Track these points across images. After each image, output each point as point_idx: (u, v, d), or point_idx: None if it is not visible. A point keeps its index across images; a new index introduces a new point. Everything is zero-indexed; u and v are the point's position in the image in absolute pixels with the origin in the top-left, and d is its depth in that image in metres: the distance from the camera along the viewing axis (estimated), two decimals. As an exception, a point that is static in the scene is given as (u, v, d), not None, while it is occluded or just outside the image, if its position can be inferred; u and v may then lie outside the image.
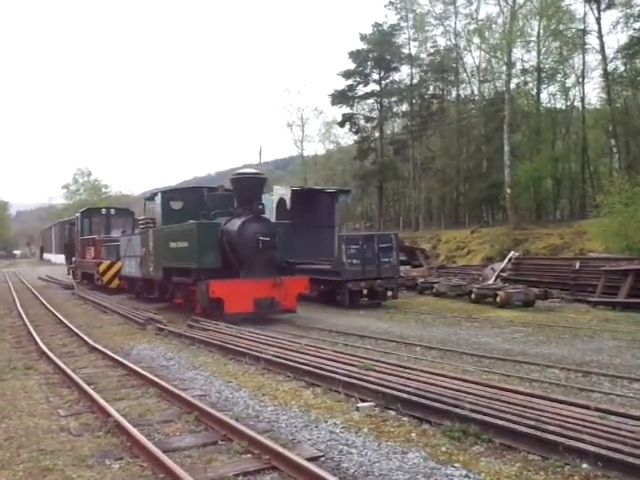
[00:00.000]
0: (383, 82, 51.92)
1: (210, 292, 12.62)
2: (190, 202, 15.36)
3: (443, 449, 4.90)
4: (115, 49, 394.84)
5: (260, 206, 13.81)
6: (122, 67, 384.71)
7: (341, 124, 55.04)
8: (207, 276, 13.00)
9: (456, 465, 4.54)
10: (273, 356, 8.39)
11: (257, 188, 14.24)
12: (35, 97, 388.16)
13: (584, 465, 4.34)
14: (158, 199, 15.91)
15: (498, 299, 15.28)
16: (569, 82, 40.45)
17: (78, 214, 28.19)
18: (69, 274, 30.62)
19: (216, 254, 13.15)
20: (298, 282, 13.88)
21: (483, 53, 43.26)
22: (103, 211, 27.54)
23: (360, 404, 6.19)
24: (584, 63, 37.45)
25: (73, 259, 29.12)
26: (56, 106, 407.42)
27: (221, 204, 14.60)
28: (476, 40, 43.67)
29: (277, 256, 13.68)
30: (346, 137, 59.38)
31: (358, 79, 52.50)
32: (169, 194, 16.26)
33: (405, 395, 5.97)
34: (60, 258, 42.16)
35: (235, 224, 13.34)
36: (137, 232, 18.51)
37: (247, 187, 14.00)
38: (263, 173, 15.44)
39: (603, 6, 34.07)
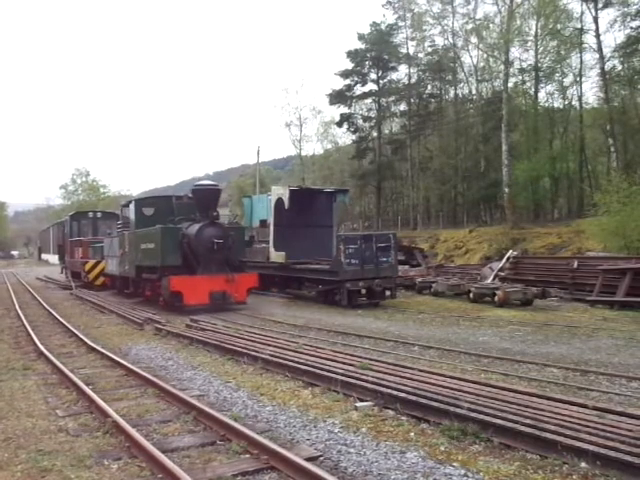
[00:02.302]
0: (381, 82, 51.92)
1: (171, 286, 14.68)
2: (160, 209, 17.31)
3: (442, 448, 4.91)
4: (114, 50, 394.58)
5: (215, 213, 15.73)
6: (121, 68, 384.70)
7: (339, 124, 55.00)
8: (170, 273, 14.94)
9: (455, 464, 4.55)
10: (271, 356, 8.39)
11: (213, 198, 16.06)
12: (33, 97, 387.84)
13: (582, 464, 4.35)
14: (132, 206, 17.91)
15: (496, 298, 15.27)
16: (567, 81, 40.53)
17: (67, 217, 30.01)
18: (62, 273, 32.22)
19: (177, 254, 15.26)
20: (248, 278, 15.92)
21: (481, 52, 43.34)
22: (90, 214, 29.39)
23: (359, 404, 6.19)
24: (581, 62, 37.52)
25: (66, 258, 30.51)
26: (54, 106, 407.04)
27: (186, 211, 16.50)
28: (474, 39, 43.80)
29: (231, 256, 15.63)
30: (344, 137, 59.49)
31: (356, 79, 52.49)
32: (142, 202, 18.33)
33: (403, 394, 5.98)
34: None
35: (194, 228, 15.36)
36: (116, 234, 20.04)
37: (204, 197, 15.86)
38: (218, 184, 17.62)
39: (600, 5, 34.12)
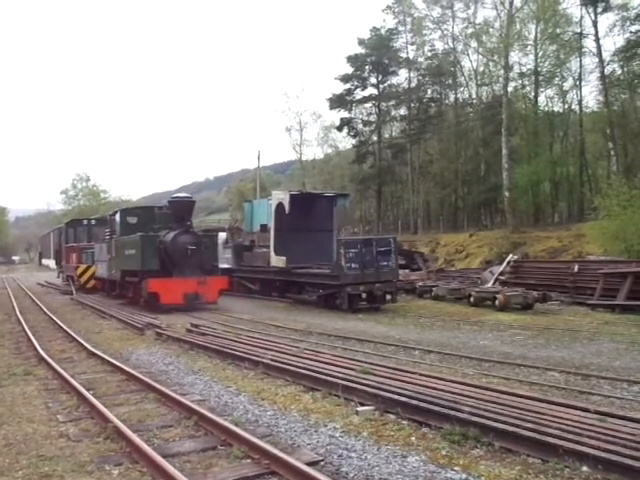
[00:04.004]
0: (381, 86, 52.04)
1: (148, 288, 16.26)
2: (143, 218, 18.83)
3: (443, 452, 4.90)
4: (115, 55, 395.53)
5: (189, 222, 17.35)
6: (122, 73, 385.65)
7: (339, 128, 55.09)
8: (149, 276, 16.46)
9: (456, 469, 4.54)
10: (272, 360, 8.38)
11: (187, 209, 17.54)
12: (34, 102, 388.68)
13: (584, 468, 4.35)
14: (117, 215, 19.52)
15: (497, 302, 15.27)
16: (566, 85, 40.65)
17: (63, 225, 32.06)
18: (58, 277, 33.84)
19: (155, 259, 16.80)
20: (219, 280, 17.44)
21: (481, 57, 43.50)
22: (85, 222, 30.71)
23: (359, 408, 6.18)
24: (581, 66, 37.65)
25: (62, 263, 32.14)
26: (55, 111, 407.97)
27: (166, 219, 17.90)
28: (473, 44, 43.99)
29: (204, 260, 17.10)
30: (344, 141, 59.54)
31: (356, 83, 52.61)
32: (126, 211, 19.89)
33: (404, 399, 5.97)
34: (59, 264, 43.24)
35: (170, 236, 16.86)
36: (105, 241, 21.44)
37: (180, 208, 17.37)
38: (192, 196, 19.16)
39: (600, 9, 34.25)
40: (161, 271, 16.71)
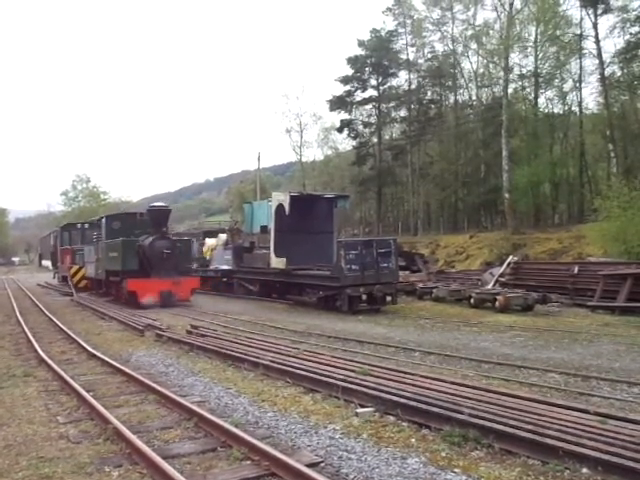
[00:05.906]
0: (381, 88, 52.06)
1: (128, 286, 18.18)
2: (126, 223, 20.66)
3: (443, 454, 4.90)
4: (116, 57, 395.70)
5: (165, 228, 19.30)
6: (123, 74, 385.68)
7: (339, 130, 55.11)
8: (129, 276, 18.39)
9: (456, 470, 4.54)
10: (272, 362, 8.38)
11: (164, 216, 19.35)
12: (34, 104, 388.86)
13: (584, 470, 4.34)
14: (103, 221, 21.45)
15: (497, 304, 15.26)
16: (566, 87, 40.62)
17: (58, 228, 35.12)
18: (54, 277, 35.96)
19: (135, 261, 18.71)
20: (192, 281, 19.54)
21: (480, 58, 43.59)
22: (79, 225, 32.61)
23: (359, 410, 6.18)
24: (581, 68, 37.64)
25: (58, 264, 34.32)
26: (55, 113, 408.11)
27: (147, 225, 19.48)
28: (473, 45, 44.06)
29: (178, 262, 18.90)
30: (344, 143, 59.56)
31: (356, 85, 52.63)
32: (111, 218, 21.77)
33: (404, 400, 5.96)
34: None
35: (148, 240, 18.70)
36: (93, 244, 23.39)
37: (157, 216, 19.15)
38: (168, 205, 21.03)
39: (600, 11, 34.27)
40: (140, 272, 18.52)
